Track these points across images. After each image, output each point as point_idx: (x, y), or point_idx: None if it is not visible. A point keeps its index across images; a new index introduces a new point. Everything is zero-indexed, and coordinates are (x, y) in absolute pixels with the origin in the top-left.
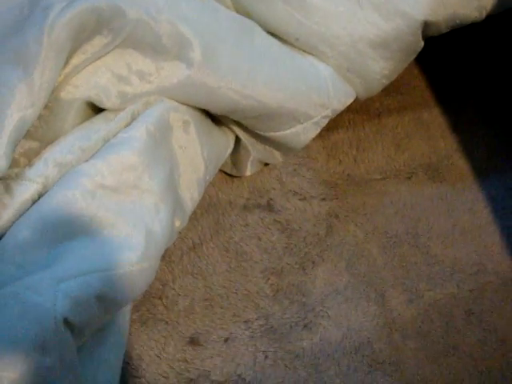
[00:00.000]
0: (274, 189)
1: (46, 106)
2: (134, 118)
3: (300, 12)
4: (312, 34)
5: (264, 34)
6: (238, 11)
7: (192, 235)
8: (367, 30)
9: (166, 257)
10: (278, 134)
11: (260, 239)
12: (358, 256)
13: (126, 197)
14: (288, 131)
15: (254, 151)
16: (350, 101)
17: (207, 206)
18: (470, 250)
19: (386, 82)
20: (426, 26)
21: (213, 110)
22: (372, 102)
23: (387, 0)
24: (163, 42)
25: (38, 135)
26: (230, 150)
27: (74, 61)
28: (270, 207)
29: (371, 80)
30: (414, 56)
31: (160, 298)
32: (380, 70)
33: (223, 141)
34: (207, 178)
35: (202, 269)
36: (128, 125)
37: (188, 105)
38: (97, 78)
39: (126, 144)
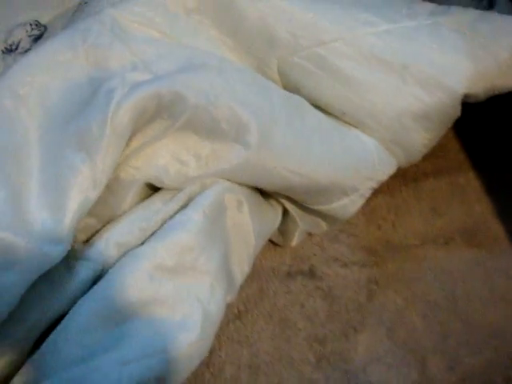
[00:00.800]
0: (315, 255)
1: (105, 186)
2: (190, 199)
3: (346, 87)
4: (358, 109)
5: (313, 109)
6: (285, 87)
7: (237, 303)
8: (411, 103)
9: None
10: (326, 207)
11: (303, 306)
12: (399, 322)
13: (183, 278)
14: (335, 204)
15: (302, 223)
16: (392, 171)
17: (251, 274)
18: (507, 314)
19: (425, 150)
20: (466, 97)
21: (266, 188)
22: (409, 166)
23: (430, 75)
24: (222, 126)
25: (96, 212)
26: (278, 223)
27: (135, 143)
28: (311, 274)
29: (412, 150)
30: (452, 124)
31: (207, 366)
32: (421, 140)
33: (272, 215)
34: (256, 251)
35: (248, 336)
36: (185, 206)
37: (241, 184)
38: (157, 160)
39: (184, 226)
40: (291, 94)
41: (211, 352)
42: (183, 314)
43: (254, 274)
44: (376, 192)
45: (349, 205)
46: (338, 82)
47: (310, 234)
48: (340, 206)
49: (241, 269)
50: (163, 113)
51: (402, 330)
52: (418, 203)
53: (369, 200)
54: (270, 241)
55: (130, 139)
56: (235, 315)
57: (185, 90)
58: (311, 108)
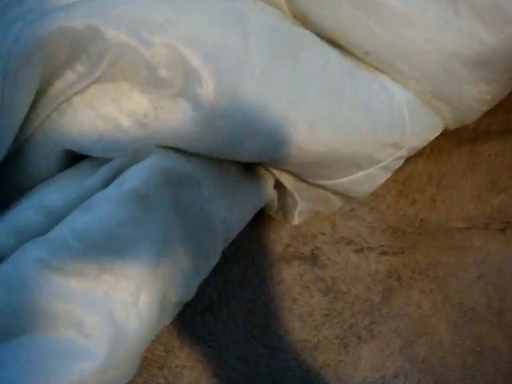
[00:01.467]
0: (322, 234)
1: (15, 150)
2: (117, 175)
3: (372, 17)
4: (387, 47)
5: (319, 46)
6: (293, 14)
7: (210, 290)
8: (464, 44)
9: (176, 317)
10: (330, 182)
11: (295, 301)
12: (420, 333)
13: (93, 283)
14: (346, 179)
15: (303, 201)
16: (434, 135)
17: (234, 251)
18: None
19: (485, 108)
20: None
21: (236, 159)
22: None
23: (494, 4)
24: (160, 73)
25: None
26: (266, 199)
27: (47, 96)
28: (313, 259)
29: (466, 108)
30: None
31: (161, 368)
32: (479, 95)
33: (256, 190)
34: (228, 238)
35: (217, 334)
36: (110, 182)
37: (198, 155)
38: (78, 119)
39: (102, 208)
40: (288, 26)
41: (168, 351)
42: (85, 333)
43: (238, 252)
44: (415, 153)
45: (364, 181)
46: (359, 8)
47: None
48: (352, 182)
49: (201, 263)
50: (80, 54)
51: (422, 344)
52: (472, 172)
53: (404, 164)
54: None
55: (40, 91)
56: (205, 306)
57: (105, 23)
58: (316, 44)
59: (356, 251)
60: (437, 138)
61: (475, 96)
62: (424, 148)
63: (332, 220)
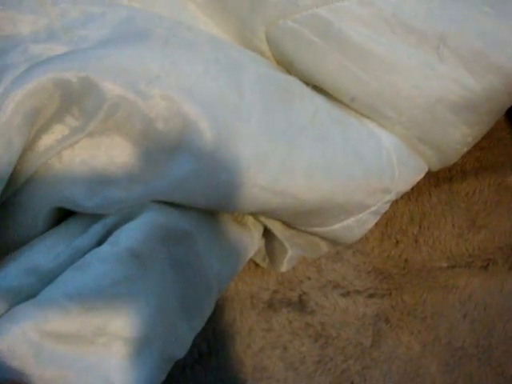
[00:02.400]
0: (309, 279)
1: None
2: (110, 232)
3: (359, 64)
4: (374, 94)
5: (308, 94)
6: (277, 60)
7: (199, 341)
8: (449, 89)
9: None
10: (322, 229)
11: (286, 349)
12: (412, 375)
13: (88, 347)
14: (337, 225)
15: (293, 248)
16: (419, 178)
17: (222, 301)
18: None
19: (466, 149)
20: None
21: (229, 211)
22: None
23: (478, 50)
24: (157, 126)
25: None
26: (254, 249)
27: (35, 150)
28: (301, 305)
29: (449, 151)
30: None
31: None
32: (462, 138)
33: (246, 242)
34: (221, 290)
35: None
36: (103, 240)
37: (191, 208)
38: (69, 174)
39: (96, 268)
40: (277, 74)
41: None
42: None
43: (226, 303)
44: None
45: (355, 226)
46: (346, 56)
47: None
48: (343, 228)
49: (194, 319)
50: (72, 108)
51: None
52: (452, 211)
53: None
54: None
55: (27, 146)
56: (194, 358)
57: (99, 75)
58: (305, 92)
59: (343, 295)
60: None
61: (458, 139)
62: None
63: (318, 264)
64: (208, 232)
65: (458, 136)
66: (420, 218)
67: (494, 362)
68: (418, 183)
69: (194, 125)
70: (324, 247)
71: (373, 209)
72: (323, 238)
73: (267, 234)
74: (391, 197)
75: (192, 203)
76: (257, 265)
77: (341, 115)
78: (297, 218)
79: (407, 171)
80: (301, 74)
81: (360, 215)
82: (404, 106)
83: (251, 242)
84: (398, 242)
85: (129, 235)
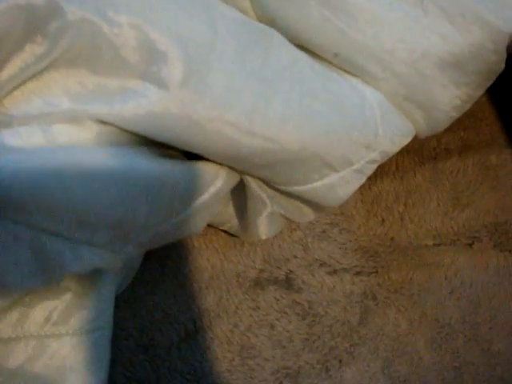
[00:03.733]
0: (295, 257)
1: None
2: None
3: (341, 17)
4: (356, 48)
5: (287, 46)
6: (260, 18)
7: (185, 320)
8: (434, 44)
9: (150, 348)
10: (304, 188)
11: (273, 328)
12: (399, 352)
13: None
14: (319, 183)
15: (274, 204)
16: (406, 140)
17: (207, 280)
18: None
19: (456, 115)
20: None
21: (198, 153)
22: (426, 139)
23: (462, 3)
24: (123, 54)
25: None
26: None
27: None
28: (288, 283)
29: (437, 112)
30: (493, 81)
31: None
32: (450, 98)
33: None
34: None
35: (196, 367)
36: None
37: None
38: (30, 106)
39: None
40: (254, 23)
41: None
42: None
43: (211, 281)
44: (381, 173)
45: (338, 185)
46: (328, 8)
47: (290, 228)
48: (325, 187)
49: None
50: (35, 33)
51: (402, 363)
52: (437, 190)
53: (371, 184)
54: (234, 236)
55: None
56: (181, 337)
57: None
58: (285, 43)
59: (330, 273)
60: (400, 156)
61: (446, 99)
62: (389, 167)
63: (304, 242)
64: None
65: (445, 96)
66: (405, 197)
67: (480, 338)
68: (403, 162)
69: (162, 55)
70: (308, 212)
71: (356, 166)
72: (307, 201)
73: (242, 194)
74: (375, 156)
75: (158, 139)
76: (243, 244)
77: (323, 69)
78: (275, 174)
79: (392, 130)
80: (283, 31)
81: (343, 172)
82: (388, 60)
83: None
84: (383, 220)
85: None
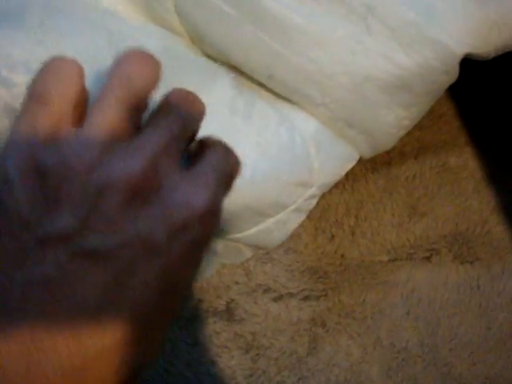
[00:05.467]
0: (236, 283)
1: None
2: None
3: (276, 38)
4: (292, 71)
5: (205, 81)
6: (189, 34)
7: None
8: (378, 66)
9: None
10: (239, 235)
11: (214, 364)
12: (353, 383)
13: None
14: (253, 230)
15: (212, 255)
16: (347, 167)
17: None
18: (509, 365)
19: (403, 133)
20: (468, 56)
21: None
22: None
23: (410, 22)
24: None
25: None
26: None
27: None
28: (229, 314)
29: (382, 135)
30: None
31: None
32: (396, 121)
33: None
34: None
35: None
36: None
37: None
38: None
39: None
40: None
41: None
42: None
43: None
44: None
45: (275, 228)
46: (261, 27)
47: None
48: (261, 232)
49: None
50: None
51: None
52: (391, 198)
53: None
54: None
55: None
56: None
57: None
58: (205, 79)
59: (275, 299)
60: None
61: (392, 122)
62: None
63: (246, 267)
64: None
65: (392, 119)
66: (357, 208)
67: (439, 361)
68: (353, 169)
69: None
70: (247, 252)
71: (292, 207)
72: (244, 243)
73: None
74: (314, 191)
75: None
76: None
77: (246, 105)
78: None
79: (331, 161)
80: (213, 49)
81: (278, 216)
82: (328, 84)
83: None
84: (333, 236)
85: None
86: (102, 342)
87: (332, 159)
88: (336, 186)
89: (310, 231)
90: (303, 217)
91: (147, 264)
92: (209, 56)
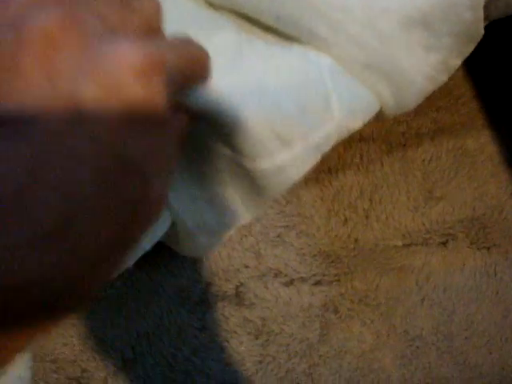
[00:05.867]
0: (246, 267)
1: None
2: None
3: None
4: (301, 7)
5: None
6: None
7: (122, 346)
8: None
9: (83, 381)
10: (256, 164)
11: (222, 350)
12: (365, 371)
13: None
14: (269, 162)
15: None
16: (367, 115)
17: (147, 298)
18: None
19: (429, 87)
20: None
21: None
22: (394, 123)
23: None
24: None
25: None
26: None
27: None
28: (239, 298)
29: (405, 83)
30: (472, 48)
31: None
32: (419, 66)
33: None
34: None
35: None
36: None
37: None
38: None
39: None
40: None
41: None
42: None
43: (151, 299)
44: (344, 165)
45: (291, 165)
46: None
47: (240, 234)
48: (276, 167)
49: None
50: None
51: (369, 383)
52: (406, 182)
53: (332, 178)
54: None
55: None
56: (117, 366)
57: None
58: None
59: (286, 284)
60: (365, 144)
61: (414, 67)
62: (352, 157)
63: (256, 250)
64: None
65: (413, 63)
66: (371, 191)
67: (454, 350)
68: (368, 151)
69: None
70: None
71: (311, 140)
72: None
73: None
74: (332, 128)
75: None
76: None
77: (253, 46)
78: None
79: (349, 99)
80: None
81: (297, 149)
82: (339, 20)
83: None
84: (346, 219)
85: None
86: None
87: (350, 97)
88: (350, 167)
89: (323, 214)
90: (318, 157)
91: (76, 134)
92: (212, 5)
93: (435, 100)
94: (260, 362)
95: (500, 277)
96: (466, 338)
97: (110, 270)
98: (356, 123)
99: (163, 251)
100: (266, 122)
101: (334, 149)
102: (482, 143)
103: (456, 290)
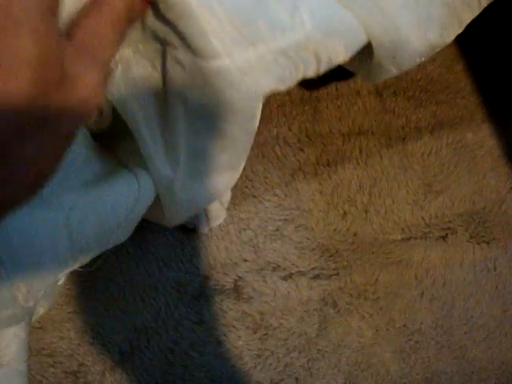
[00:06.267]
0: (245, 261)
1: None
2: None
3: None
4: None
5: None
6: None
7: (119, 340)
8: None
9: (80, 375)
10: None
11: (220, 344)
12: (364, 365)
13: None
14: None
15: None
16: (350, 41)
17: (144, 292)
18: None
19: (431, 36)
20: None
21: None
22: (394, 116)
23: None
24: None
25: None
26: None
27: None
28: (237, 292)
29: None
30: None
31: None
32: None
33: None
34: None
35: None
36: None
37: None
38: None
39: None
40: None
41: None
42: None
43: (148, 293)
44: (343, 158)
45: (256, 67)
46: None
47: (238, 227)
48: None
49: None
50: None
51: (368, 378)
52: (406, 175)
53: (330, 172)
54: (174, 237)
55: None
56: (115, 360)
57: None
58: None
59: (284, 278)
60: (364, 138)
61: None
62: (351, 151)
63: (255, 243)
64: None
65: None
66: (370, 185)
67: (453, 344)
68: (367, 144)
69: None
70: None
71: (276, 44)
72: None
73: None
74: (301, 37)
75: None
76: (184, 247)
77: None
78: None
79: (325, 15)
80: None
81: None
82: None
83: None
84: (345, 213)
85: None
86: None
87: (326, 14)
88: (349, 160)
89: (322, 207)
90: (291, 70)
91: None
92: None
93: (435, 93)
94: (258, 357)
95: (499, 271)
96: (465, 332)
97: None
98: (336, 46)
99: (160, 245)
100: (225, 17)
101: (333, 142)
102: (482, 137)
103: (455, 284)
